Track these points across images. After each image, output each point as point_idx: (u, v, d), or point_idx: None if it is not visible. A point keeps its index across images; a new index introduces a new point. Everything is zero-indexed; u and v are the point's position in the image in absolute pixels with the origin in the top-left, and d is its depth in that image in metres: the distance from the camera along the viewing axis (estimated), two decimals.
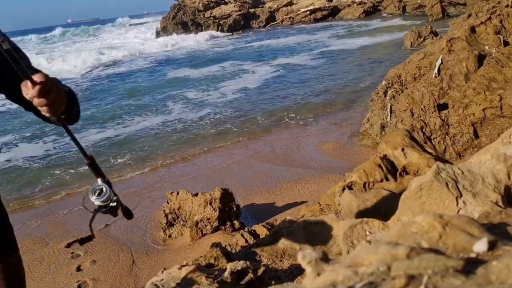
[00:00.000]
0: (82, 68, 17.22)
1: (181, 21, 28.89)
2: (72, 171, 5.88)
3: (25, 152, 7.08)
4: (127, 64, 18.06)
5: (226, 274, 1.24)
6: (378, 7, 25.52)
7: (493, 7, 5.01)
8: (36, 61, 17.72)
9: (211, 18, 29.02)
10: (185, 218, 3.85)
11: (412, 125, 4.61)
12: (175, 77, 13.25)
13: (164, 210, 3.89)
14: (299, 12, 28.21)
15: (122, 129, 8.02)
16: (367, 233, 1.45)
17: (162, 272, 1.51)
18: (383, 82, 5.65)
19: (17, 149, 7.39)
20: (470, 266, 0.56)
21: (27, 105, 1.34)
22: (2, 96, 1.53)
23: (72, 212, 4.74)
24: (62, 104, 1.30)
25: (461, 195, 1.38)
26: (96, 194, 1.36)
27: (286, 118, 7.44)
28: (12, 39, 1.43)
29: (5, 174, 6.13)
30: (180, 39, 25.02)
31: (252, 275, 1.24)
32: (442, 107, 4.63)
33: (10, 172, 6.20)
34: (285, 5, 29.42)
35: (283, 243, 1.63)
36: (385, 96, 5.40)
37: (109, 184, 1.39)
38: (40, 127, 8.32)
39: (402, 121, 4.78)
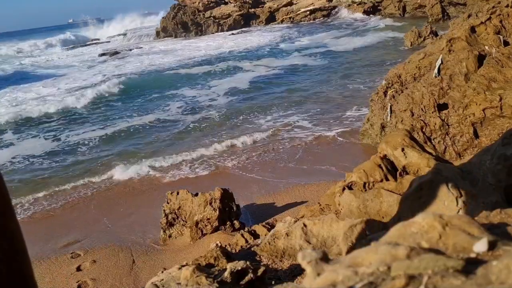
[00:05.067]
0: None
1: (181, 21, 28.86)
2: (70, 173, 5.88)
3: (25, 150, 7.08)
4: None
5: (226, 274, 1.24)
6: (378, 7, 25.46)
7: (493, 7, 5.00)
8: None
9: (211, 18, 29.01)
10: (185, 218, 3.85)
11: (412, 125, 4.60)
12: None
13: (164, 210, 3.88)
14: (299, 12, 28.20)
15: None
16: (367, 233, 1.45)
17: (162, 272, 1.51)
18: (383, 82, 5.64)
19: (18, 147, 7.40)
20: (470, 266, 0.56)
21: None
22: None
23: (72, 212, 4.73)
24: None
25: (461, 195, 1.38)
26: None
27: (286, 118, 7.43)
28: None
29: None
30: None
31: (252, 275, 1.24)
32: (442, 107, 4.63)
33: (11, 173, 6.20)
34: (285, 5, 29.39)
35: (283, 243, 1.63)
36: (385, 96, 5.40)
37: None
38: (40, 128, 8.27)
39: (402, 121, 4.78)
